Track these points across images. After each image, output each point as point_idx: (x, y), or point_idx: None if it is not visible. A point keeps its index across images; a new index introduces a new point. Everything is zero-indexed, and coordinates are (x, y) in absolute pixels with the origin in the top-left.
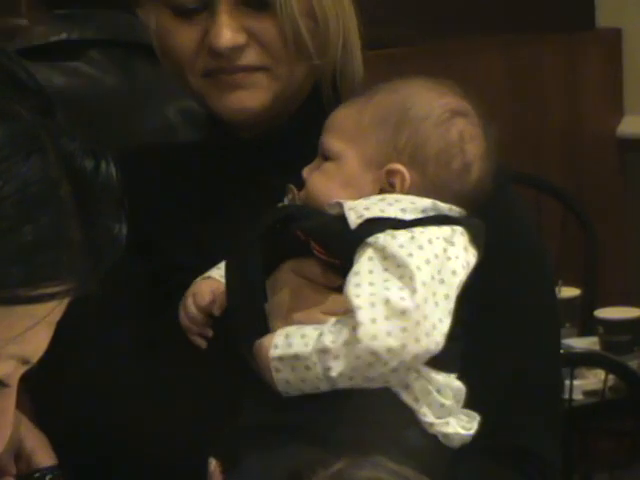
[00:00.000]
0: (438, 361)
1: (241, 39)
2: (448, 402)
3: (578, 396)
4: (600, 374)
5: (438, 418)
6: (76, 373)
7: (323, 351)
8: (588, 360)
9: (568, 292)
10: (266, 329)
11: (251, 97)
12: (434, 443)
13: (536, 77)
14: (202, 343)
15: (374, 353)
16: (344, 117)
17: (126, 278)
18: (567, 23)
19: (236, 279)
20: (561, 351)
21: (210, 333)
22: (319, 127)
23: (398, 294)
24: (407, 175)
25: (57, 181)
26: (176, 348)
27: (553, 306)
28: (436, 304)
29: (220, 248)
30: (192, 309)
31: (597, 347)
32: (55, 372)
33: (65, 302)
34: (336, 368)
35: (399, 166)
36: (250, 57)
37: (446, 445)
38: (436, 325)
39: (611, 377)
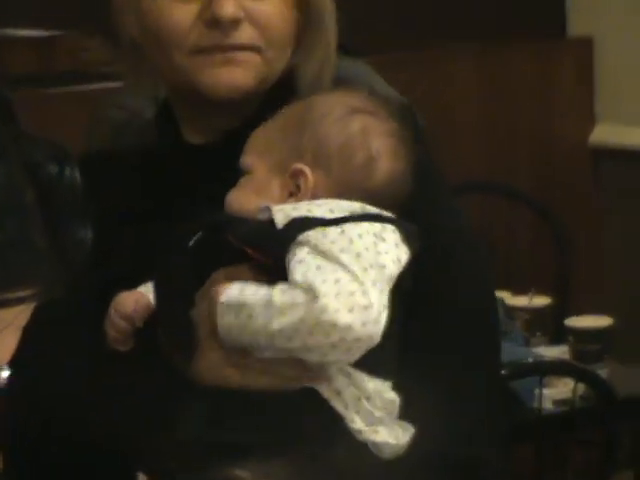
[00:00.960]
0: (373, 362)
1: (240, 14)
2: (377, 412)
3: (548, 405)
4: (570, 383)
5: (367, 426)
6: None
7: (269, 304)
8: (558, 369)
9: (539, 301)
10: (194, 339)
11: (242, 74)
12: (363, 453)
13: (508, 85)
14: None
15: (320, 323)
16: (257, 135)
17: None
18: (538, 31)
19: (165, 289)
20: (529, 360)
21: (131, 344)
22: None
23: (347, 278)
24: (310, 174)
25: (22, 188)
26: (114, 357)
27: (493, 312)
28: (379, 296)
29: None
30: (116, 319)
31: (567, 356)
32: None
33: (31, 306)
34: (278, 323)
35: (301, 165)
36: (245, 35)
37: (377, 455)
38: (381, 313)
39: (581, 386)
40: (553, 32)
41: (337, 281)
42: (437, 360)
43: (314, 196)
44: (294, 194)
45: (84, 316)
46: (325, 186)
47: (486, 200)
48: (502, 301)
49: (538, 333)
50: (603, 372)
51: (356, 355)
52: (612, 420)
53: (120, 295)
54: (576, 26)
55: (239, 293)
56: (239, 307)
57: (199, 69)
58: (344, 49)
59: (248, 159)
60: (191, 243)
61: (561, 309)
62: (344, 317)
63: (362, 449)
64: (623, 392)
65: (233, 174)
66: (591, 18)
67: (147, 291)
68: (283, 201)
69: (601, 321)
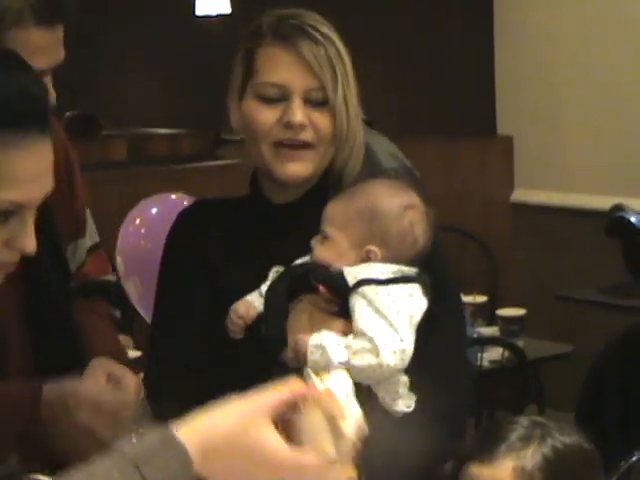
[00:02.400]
0: None
1: (306, 120)
2: (400, 390)
3: (485, 364)
4: (499, 350)
5: (392, 400)
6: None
7: (347, 347)
8: (492, 341)
9: (479, 299)
10: (285, 336)
11: (303, 167)
12: (388, 416)
13: (459, 164)
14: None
15: (380, 364)
16: (335, 210)
17: (199, 294)
18: (479, 131)
19: (271, 305)
20: (475, 336)
21: (242, 335)
22: (325, 202)
23: (390, 329)
24: (379, 252)
25: None
26: (224, 342)
27: (462, 315)
28: (409, 337)
29: (257, 278)
30: (234, 318)
31: (498, 333)
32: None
33: None
34: (352, 362)
35: (373, 247)
36: (308, 135)
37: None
38: (410, 350)
39: (506, 352)
40: (488, 131)
41: (384, 334)
42: (436, 350)
43: (377, 262)
44: (365, 261)
45: (202, 311)
46: (385, 257)
47: (446, 236)
48: None
49: (479, 319)
50: (520, 343)
51: (396, 374)
52: (524, 373)
53: (236, 303)
54: (502, 128)
55: (321, 339)
56: (324, 349)
57: (276, 159)
58: (369, 124)
59: (330, 230)
60: (290, 277)
61: (493, 304)
62: (390, 359)
63: (387, 414)
64: (531, 355)
65: (302, 227)
66: (511, 124)
67: (252, 300)
68: (356, 264)
69: (518, 311)
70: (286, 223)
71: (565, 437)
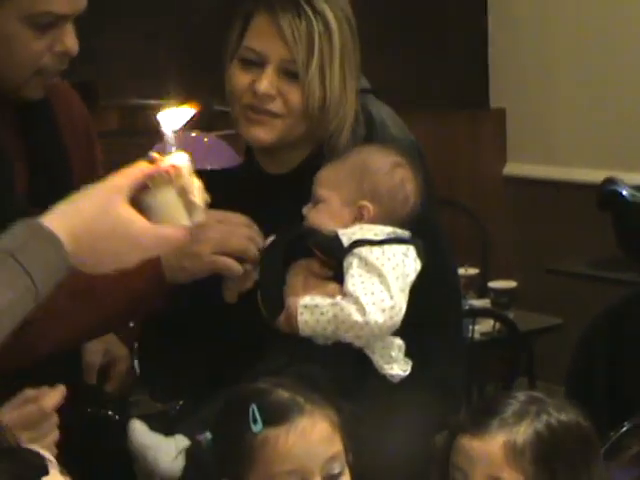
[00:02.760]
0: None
1: (272, 92)
2: (394, 354)
3: (477, 336)
4: (490, 322)
5: (386, 364)
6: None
7: (334, 304)
8: (483, 313)
9: (471, 271)
10: (282, 301)
11: (265, 133)
12: (383, 381)
13: (453, 139)
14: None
15: (367, 321)
16: (327, 173)
17: None
18: (472, 104)
19: (267, 269)
20: (467, 308)
21: (235, 299)
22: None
23: (380, 287)
24: (371, 208)
25: None
26: (218, 308)
27: (459, 292)
28: (401, 296)
29: None
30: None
31: (489, 305)
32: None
33: None
34: (342, 320)
35: (366, 202)
36: (275, 106)
37: (390, 381)
38: (401, 309)
39: (497, 324)
40: (481, 104)
41: (373, 293)
42: (436, 321)
43: (369, 221)
44: (358, 219)
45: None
46: (378, 215)
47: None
48: None
49: (470, 291)
50: (510, 315)
51: (387, 334)
52: (515, 344)
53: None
54: (495, 101)
55: (312, 299)
56: (314, 307)
57: (242, 121)
58: (376, 94)
59: (323, 191)
60: (286, 241)
61: (484, 277)
62: (378, 317)
63: (382, 378)
64: (521, 327)
65: (295, 198)
66: (504, 97)
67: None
68: (350, 224)
69: (509, 284)
70: (279, 193)
71: (562, 414)
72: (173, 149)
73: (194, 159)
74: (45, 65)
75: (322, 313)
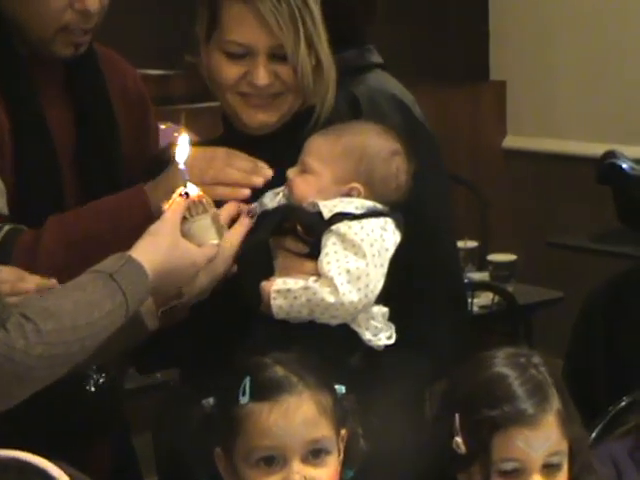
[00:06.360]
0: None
1: (271, 78)
2: (379, 324)
3: (476, 309)
4: (489, 295)
5: (374, 336)
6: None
7: (306, 288)
8: (483, 286)
9: (470, 244)
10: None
11: (269, 115)
12: (370, 352)
13: (453, 111)
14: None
15: (341, 302)
16: (321, 144)
17: None
18: (472, 76)
19: (248, 257)
20: (466, 281)
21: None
22: (299, 135)
23: (355, 264)
24: (362, 190)
25: None
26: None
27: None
28: (378, 272)
29: None
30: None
31: (488, 279)
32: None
33: None
34: (315, 302)
35: (358, 185)
36: (274, 88)
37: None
38: (377, 286)
39: (496, 297)
40: (481, 77)
41: (348, 271)
42: (432, 289)
43: None
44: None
45: None
46: (366, 197)
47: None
48: None
49: (470, 264)
50: (510, 288)
51: (362, 311)
52: (514, 318)
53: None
54: (495, 74)
55: (284, 283)
56: (287, 292)
57: (241, 108)
58: (382, 67)
59: (315, 163)
60: (273, 224)
61: (484, 249)
62: (353, 296)
63: (370, 350)
64: (521, 301)
65: (278, 155)
66: (504, 69)
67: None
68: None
69: (508, 257)
70: (261, 155)
71: (533, 358)
72: (188, 180)
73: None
74: (68, 22)
75: (295, 297)
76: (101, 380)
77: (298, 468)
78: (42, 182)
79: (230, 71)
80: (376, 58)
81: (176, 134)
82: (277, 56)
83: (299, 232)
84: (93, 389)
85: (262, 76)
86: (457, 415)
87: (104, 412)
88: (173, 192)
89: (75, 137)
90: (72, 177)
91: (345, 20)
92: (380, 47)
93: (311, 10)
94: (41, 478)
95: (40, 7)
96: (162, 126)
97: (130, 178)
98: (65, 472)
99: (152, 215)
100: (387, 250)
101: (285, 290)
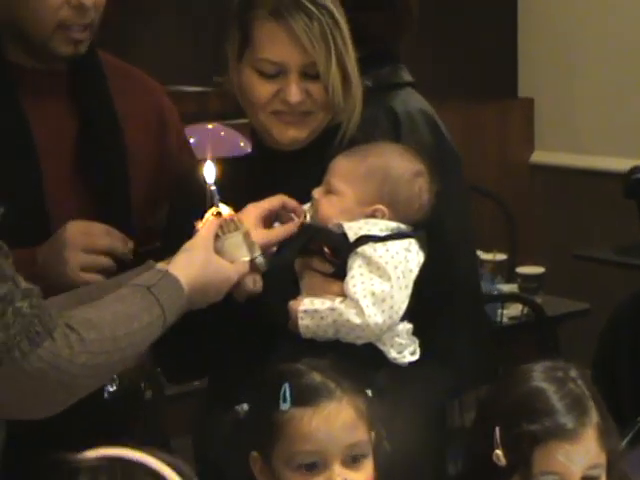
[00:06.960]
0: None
1: (303, 96)
2: (404, 341)
3: (505, 320)
4: (518, 307)
5: (398, 353)
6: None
7: (332, 309)
8: (512, 298)
9: (499, 256)
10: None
11: (300, 132)
12: (396, 371)
13: (482, 127)
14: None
15: (366, 324)
16: (345, 165)
17: None
18: (501, 94)
19: (273, 279)
20: (495, 293)
21: (244, 298)
22: (327, 151)
23: (380, 287)
24: (386, 211)
25: None
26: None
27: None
28: (402, 293)
29: None
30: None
31: (517, 290)
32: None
33: None
34: (342, 323)
35: (382, 206)
36: (305, 106)
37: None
38: (401, 307)
39: (525, 308)
40: (509, 94)
41: (373, 293)
42: (452, 304)
43: None
44: (368, 218)
45: None
46: (390, 219)
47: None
48: (478, 257)
49: (499, 276)
50: (538, 300)
51: (387, 332)
52: (543, 329)
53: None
54: (523, 91)
55: (311, 303)
56: (313, 313)
57: (274, 126)
58: (412, 85)
59: (339, 184)
60: (301, 244)
61: (512, 262)
62: (378, 319)
63: (395, 368)
64: (549, 312)
65: (305, 173)
66: (532, 86)
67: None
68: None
69: (537, 269)
70: (289, 170)
71: (571, 371)
72: (218, 201)
73: (212, 149)
74: (65, 18)
75: (322, 318)
76: (113, 389)
77: (339, 471)
78: (22, 191)
79: (263, 89)
80: (407, 76)
81: (223, 133)
82: (308, 74)
83: (326, 253)
84: (106, 396)
85: (294, 93)
86: (497, 428)
87: (119, 420)
88: None
89: (75, 142)
90: (73, 187)
91: (380, 39)
92: (410, 64)
93: (341, 28)
94: (152, 478)
95: (37, 6)
96: (209, 126)
97: (147, 195)
98: (164, 461)
99: None
100: (411, 271)
101: (312, 310)
